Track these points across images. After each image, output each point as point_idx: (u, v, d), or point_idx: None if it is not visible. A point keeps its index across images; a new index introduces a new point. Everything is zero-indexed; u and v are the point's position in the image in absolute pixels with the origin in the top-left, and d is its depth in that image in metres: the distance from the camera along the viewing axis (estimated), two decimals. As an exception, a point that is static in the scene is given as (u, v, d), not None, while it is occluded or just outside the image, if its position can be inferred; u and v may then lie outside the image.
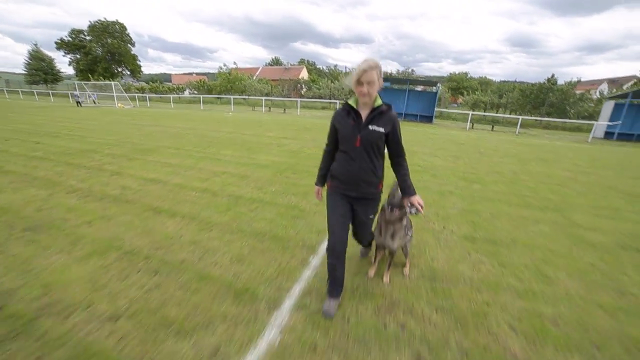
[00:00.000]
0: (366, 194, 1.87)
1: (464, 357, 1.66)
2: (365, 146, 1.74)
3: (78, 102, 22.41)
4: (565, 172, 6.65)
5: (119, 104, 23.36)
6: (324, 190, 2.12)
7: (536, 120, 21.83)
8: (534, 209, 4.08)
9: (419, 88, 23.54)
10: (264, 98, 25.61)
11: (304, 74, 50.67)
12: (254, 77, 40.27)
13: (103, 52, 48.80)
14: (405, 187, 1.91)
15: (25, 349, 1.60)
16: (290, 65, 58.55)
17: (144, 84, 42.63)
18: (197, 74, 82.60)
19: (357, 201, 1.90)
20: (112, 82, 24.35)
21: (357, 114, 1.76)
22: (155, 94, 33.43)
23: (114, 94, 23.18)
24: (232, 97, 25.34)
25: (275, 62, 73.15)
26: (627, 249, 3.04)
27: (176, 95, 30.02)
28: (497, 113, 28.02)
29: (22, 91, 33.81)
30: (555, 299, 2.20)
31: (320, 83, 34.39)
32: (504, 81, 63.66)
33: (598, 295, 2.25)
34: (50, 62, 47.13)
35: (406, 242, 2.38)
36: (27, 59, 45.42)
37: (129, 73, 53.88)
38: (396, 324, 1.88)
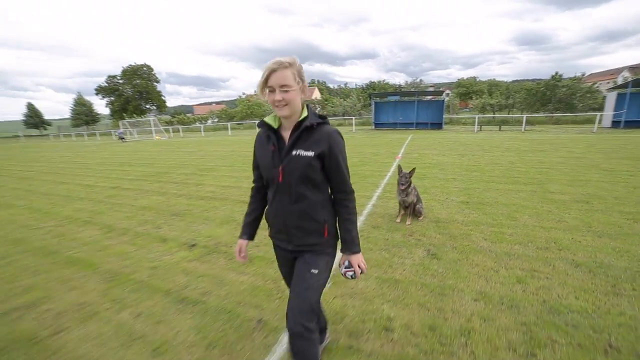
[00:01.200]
0: (304, 246, 1.35)
1: (454, 249, 3.02)
2: (290, 180, 1.26)
3: (122, 139, 25.46)
4: (558, 158, 7.78)
5: (156, 136, 26.25)
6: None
7: (547, 116, 22.55)
8: (519, 184, 5.34)
9: (428, 98, 24.99)
10: (283, 120, 27.82)
11: (317, 94, 53.45)
12: (270, 102, 43.19)
13: (133, 92, 54.08)
14: (348, 241, 1.37)
15: (220, 257, 3.13)
16: (302, 87, 61.61)
17: (169, 117, 46.72)
18: (216, 103, 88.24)
19: (296, 254, 1.39)
20: (151, 118, 27.53)
21: (278, 135, 1.31)
22: (183, 124, 36.79)
23: (152, 128, 26.14)
24: (256, 122, 27.71)
25: (287, 85, 77.10)
26: (579, 202, 4.28)
27: (203, 124, 32.93)
28: (508, 114, 28.81)
29: (74, 134, 38.62)
30: (515, 226, 3.51)
31: (334, 101, 36.65)
32: (515, 81, 63.77)
33: (543, 224, 3.55)
34: (89, 106, 52.95)
35: (420, 209, 3.78)
36: (72, 106, 51.67)
37: (155, 108, 58.97)
38: (415, 239, 3.27)
